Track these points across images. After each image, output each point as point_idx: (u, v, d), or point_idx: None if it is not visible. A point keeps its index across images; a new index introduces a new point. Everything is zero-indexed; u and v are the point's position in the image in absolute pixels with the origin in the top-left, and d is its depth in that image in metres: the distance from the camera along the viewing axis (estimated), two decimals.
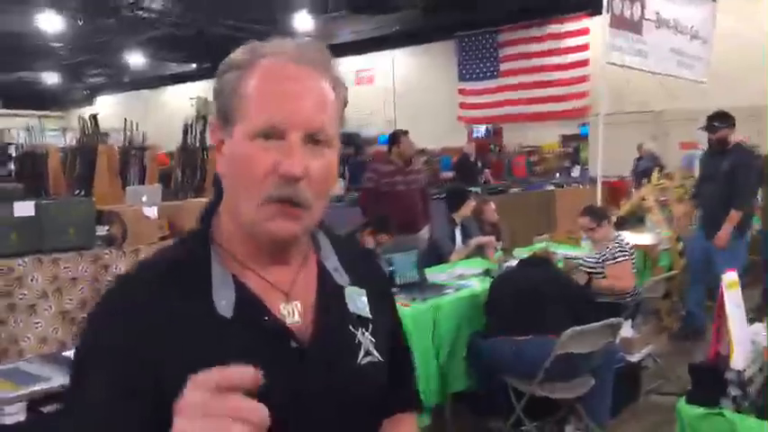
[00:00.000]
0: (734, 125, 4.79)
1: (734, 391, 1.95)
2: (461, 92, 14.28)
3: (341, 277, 0.91)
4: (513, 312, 3.29)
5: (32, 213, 4.72)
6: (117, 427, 0.75)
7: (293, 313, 0.85)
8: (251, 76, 0.81)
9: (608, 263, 4.02)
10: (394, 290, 3.58)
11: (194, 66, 18.74)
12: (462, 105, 14.31)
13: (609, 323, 3.13)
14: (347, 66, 14.67)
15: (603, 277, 4.00)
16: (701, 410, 1.98)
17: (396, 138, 5.17)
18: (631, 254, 4.13)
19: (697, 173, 5.46)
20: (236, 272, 0.84)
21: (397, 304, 3.92)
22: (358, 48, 14.17)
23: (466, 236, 4.87)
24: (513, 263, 4.30)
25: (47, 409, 2.14)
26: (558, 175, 11.21)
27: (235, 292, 0.82)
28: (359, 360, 0.88)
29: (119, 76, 19.99)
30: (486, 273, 4.11)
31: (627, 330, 3.70)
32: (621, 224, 4.45)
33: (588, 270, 4.05)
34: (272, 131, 0.78)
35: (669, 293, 5.26)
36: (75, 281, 3.91)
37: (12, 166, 8.89)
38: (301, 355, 0.83)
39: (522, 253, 4.64)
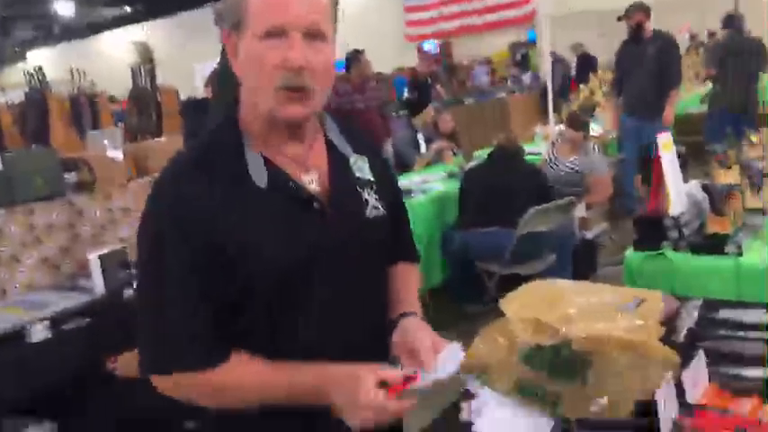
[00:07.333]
0: (649, 14, 5.07)
1: (672, 235, 2.24)
2: (408, 9, 14.14)
3: (345, 148, 1.11)
4: (483, 207, 3.54)
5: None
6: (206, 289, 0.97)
7: (313, 181, 1.05)
8: None
9: (590, 171, 4.21)
10: None
11: (128, 9, 17.98)
12: (409, 23, 14.19)
13: (563, 202, 3.42)
14: None
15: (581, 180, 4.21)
16: (644, 254, 2.28)
17: (354, 57, 5.22)
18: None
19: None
20: (261, 151, 1.03)
21: None
22: None
23: (428, 142, 5.08)
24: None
25: (67, 326, 2.35)
26: (509, 83, 11.33)
27: (265, 167, 1.01)
28: (367, 214, 1.09)
29: (49, 28, 19.07)
30: (450, 176, 4.34)
31: (581, 211, 4.01)
32: (574, 119, 4.67)
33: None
34: (275, 31, 0.95)
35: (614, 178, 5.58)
36: (51, 228, 3.98)
37: None
38: (322, 215, 1.03)
39: (482, 155, 4.88)
